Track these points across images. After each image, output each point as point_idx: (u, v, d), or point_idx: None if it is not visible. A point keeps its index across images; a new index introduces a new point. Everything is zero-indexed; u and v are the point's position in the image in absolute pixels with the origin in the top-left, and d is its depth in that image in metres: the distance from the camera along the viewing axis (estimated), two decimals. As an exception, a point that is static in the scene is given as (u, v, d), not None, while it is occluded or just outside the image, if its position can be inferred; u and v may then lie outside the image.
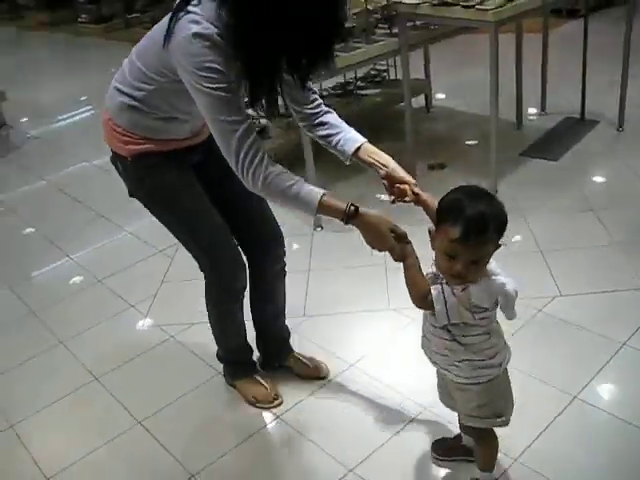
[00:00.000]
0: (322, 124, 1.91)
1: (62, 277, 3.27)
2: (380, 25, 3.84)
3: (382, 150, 1.89)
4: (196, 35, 1.57)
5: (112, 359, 2.62)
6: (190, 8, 1.61)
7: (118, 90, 1.86)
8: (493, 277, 1.55)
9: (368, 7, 3.75)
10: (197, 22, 1.58)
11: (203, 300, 2.20)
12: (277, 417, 2.23)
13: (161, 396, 2.39)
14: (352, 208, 1.69)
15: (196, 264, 2.11)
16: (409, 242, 1.67)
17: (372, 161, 1.85)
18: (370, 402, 2.24)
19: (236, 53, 1.59)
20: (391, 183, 1.80)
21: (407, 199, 1.74)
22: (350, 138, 1.88)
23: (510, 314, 1.57)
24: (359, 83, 4.62)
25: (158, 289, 3.04)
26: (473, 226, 1.45)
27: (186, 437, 2.22)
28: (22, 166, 4.82)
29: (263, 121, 3.91)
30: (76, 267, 3.35)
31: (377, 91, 4.58)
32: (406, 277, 1.62)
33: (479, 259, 1.50)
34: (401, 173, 1.79)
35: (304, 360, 2.41)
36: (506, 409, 1.72)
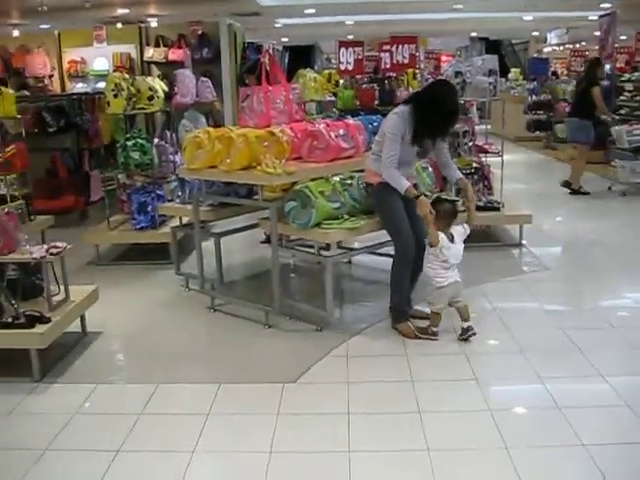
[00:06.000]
0: (446, 166, 4.23)
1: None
2: None
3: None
4: (394, 112, 4.03)
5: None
6: (396, 108, 4.08)
7: (372, 152, 4.18)
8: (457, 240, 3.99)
9: None
10: (396, 107, 4.13)
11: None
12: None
13: None
14: (417, 193, 3.90)
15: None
16: (434, 214, 3.82)
17: (460, 187, 4.30)
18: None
19: (415, 125, 3.93)
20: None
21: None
22: (455, 175, 4.18)
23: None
24: None
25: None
26: (438, 211, 3.89)
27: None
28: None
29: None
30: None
31: None
32: (429, 231, 3.87)
33: (440, 222, 3.92)
34: (468, 196, 4.12)
35: (419, 311, 4.34)
36: (440, 304, 4.00)
